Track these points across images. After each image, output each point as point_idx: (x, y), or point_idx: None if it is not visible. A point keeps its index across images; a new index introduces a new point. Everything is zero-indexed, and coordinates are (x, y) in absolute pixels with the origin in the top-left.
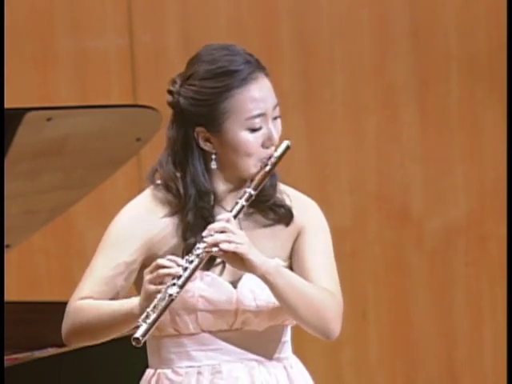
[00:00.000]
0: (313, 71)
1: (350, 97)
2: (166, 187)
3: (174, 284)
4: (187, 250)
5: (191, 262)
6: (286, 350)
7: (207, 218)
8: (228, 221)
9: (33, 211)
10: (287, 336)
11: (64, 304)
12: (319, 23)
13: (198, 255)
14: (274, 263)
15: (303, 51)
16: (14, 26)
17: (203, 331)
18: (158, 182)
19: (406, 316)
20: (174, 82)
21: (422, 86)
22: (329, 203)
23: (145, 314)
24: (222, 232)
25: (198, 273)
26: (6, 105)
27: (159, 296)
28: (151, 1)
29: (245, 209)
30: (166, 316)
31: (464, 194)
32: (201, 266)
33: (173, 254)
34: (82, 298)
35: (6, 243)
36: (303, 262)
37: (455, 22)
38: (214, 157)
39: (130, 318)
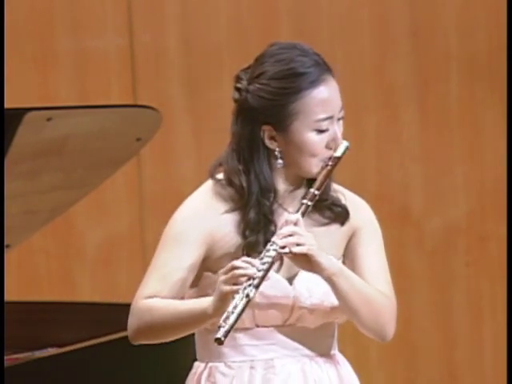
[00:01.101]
0: None
1: (350, 97)
2: (230, 182)
3: (250, 285)
4: (247, 247)
5: (264, 263)
6: (335, 346)
7: (267, 216)
8: (296, 222)
9: (33, 211)
10: (335, 332)
11: (64, 304)
12: (319, 23)
13: (270, 257)
14: (339, 265)
15: None
16: (14, 25)
17: (257, 326)
18: (218, 176)
19: (406, 316)
20: (239, 78)
21: (422, 86)
22: None
23: (225, 315)
24: (290, 235)
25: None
26: (6, 105)
27: (237, 296)
28: (151, 1)
29: (310, 208)
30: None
31: (464, 194)
32: (272, 267)
33: (233, 251)
34: (147, 297)
35: (6, 243)
36: (357, 263)
37: (455, 22)
38: (279, 155)
39: (203, 318)
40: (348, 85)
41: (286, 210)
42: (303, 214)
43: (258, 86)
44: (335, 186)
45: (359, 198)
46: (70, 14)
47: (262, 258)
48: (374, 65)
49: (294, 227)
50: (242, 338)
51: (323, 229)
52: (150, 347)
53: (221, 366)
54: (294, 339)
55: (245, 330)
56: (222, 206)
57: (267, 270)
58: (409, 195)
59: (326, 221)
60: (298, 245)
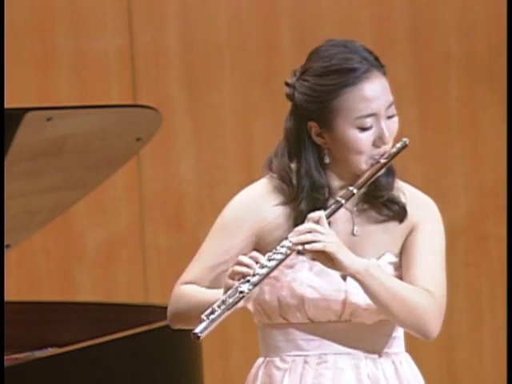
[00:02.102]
0: None
1: None
2: (280, 177)
3: (248, 281)
4: None
5: (271, 260)
6: (396, 345)
7: (319, 210)
8: (318, 220)
9: (33, 211)
10: (398, 332)
11: (64, 304)
12: (319, 23)
13: (280, 253)
14: (364, 263)
15: (303, 51)
16: (14, 26)
17: (311, 321)
18: (272, 172)
19: None
20: (293, 73)
21: (422, 86)
22: None
23: (209, 310)
24: (308, 232)
25: (307, 263)
26: (6, 105)
27: (229, 292)
28: (151, 1)
29: (351, 205)
30: (274, 305)
31: (464, 194)
32: (281, 264)
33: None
34: (187, 283)
35: (5, 243)
36: (411, 258)
37: (455, 22)
38: (326, 151)
39: None
40: None
41: None
42: (332, 213)
43: (301, 82)
44: (399, 184)
45: (425, 195)
46: (70, 14)
47: (270, 255)
48: None
49: (312, 224)
50: (296, 332)
51: (381, 226)
52: (149, 347)
53: (277, 360)
54: (349, 335)
55: (299, 324)
56: (273, 199)
57: (273, 268)
58: None
59: (383, 218)
60: (313, 242)
